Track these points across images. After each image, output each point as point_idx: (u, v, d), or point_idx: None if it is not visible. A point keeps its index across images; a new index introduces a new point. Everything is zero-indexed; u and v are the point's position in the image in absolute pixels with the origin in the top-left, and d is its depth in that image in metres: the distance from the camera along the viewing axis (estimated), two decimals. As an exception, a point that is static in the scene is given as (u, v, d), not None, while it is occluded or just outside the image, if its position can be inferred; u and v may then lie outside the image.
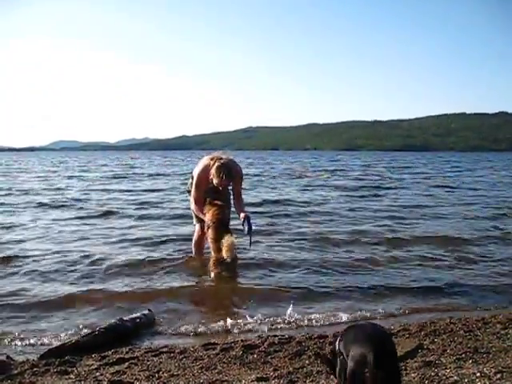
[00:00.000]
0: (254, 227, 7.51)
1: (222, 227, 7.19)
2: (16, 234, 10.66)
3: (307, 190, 22.13)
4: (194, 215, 7.89)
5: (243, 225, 7.30)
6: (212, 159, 7.36)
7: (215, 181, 7.22)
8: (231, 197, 7.71)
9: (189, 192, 7.90)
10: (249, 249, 7.79)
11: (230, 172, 7.24)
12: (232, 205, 7.70)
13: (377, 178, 31.31)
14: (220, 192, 7.47)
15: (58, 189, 22.37)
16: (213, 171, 7.19)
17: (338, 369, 2.77)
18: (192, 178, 7.73)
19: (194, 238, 8.14)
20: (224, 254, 6.89)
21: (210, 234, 7.27)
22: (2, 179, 29.74)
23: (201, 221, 7.69)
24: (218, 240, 7.05)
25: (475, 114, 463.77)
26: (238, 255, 7.36)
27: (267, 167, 48.11)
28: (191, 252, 8.29)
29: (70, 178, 32.01)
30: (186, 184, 8.37)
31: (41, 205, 16.08)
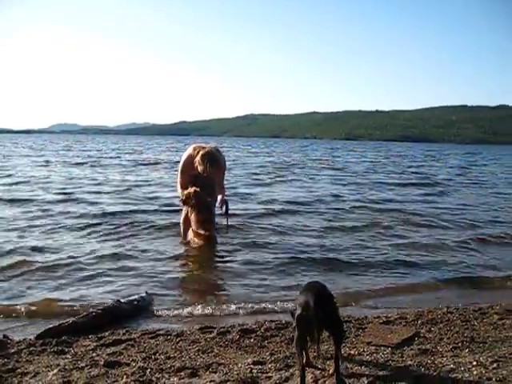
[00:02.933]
0: (229, 211, 8.19)
1: (202, 213, 7.75)
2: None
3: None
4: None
5: (221, 208, 7.91)
6: (195, 148, 7.83)
7: (200, 168, 7.65)
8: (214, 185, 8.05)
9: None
10: (226, 231, 8.26)
11: (214, 160, 7.69)
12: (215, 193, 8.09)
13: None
14: (205, 179, 7.82)
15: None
16: (198, 159, 7.63)
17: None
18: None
19: (182, 216, 8.43)
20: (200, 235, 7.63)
21: (191, 218, 7.85)
22: None
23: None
24: (198, 221, 7.71)
25: (476, 106, 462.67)
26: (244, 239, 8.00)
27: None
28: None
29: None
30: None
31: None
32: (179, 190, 8.03)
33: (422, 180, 22.56)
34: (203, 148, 7.79)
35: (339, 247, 8.31)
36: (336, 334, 3.27)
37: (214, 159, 7.68)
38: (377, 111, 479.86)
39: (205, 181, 7.80)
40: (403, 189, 18.64)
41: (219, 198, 7.87)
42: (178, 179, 8.04)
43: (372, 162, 40.19)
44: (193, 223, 7.82)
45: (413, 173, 27.46)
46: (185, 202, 7.81)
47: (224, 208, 7.84)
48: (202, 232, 7.57)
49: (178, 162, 8.32)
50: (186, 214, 8.14)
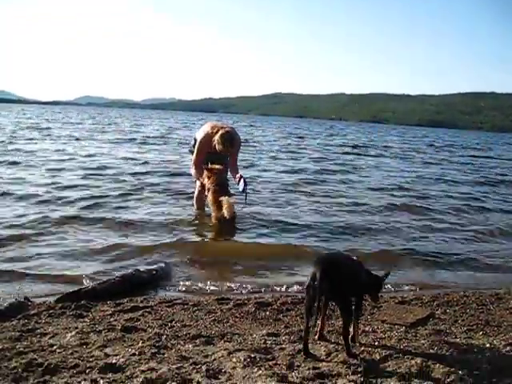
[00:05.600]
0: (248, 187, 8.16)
1: (221, 190, 7.67)
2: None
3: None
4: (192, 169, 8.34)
5: (238, 184, 7.95)
6: (213, 127, 7.93)
7: (219, 147, 7.75)
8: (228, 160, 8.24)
9: (191, 152, 8.54)
10: (245, 205, 8.18)
11: (233, 140, 7.88)
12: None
13: None
14: (219, 157, 7.92)
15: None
16: (217, 138, 7.72)
17: None
18: (195, 141, 8.27)
19: (195, 193, 8.62)
20: (224, 211, 7.36)
21: (209, 197, 7.76)
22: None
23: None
24: (216, 202, 7.56)
25: (505, 93, 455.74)
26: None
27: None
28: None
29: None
30: (189, 144, 8.99)
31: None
32: (192, 170, 8.16)
33: None
34: (221, 127, 7.91)
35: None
36: (340, 308, 3.33)
37: (233, 139, 7.84)
38: (404, 95, 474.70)
39: (217, 158, 7.93)
40: None
41: (237, 175, 7.98)
42: (194, 158, 8.09)
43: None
44: (211, 198, 7.74)
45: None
46: (208, 177, 7.77)
47: (242, 185, 7.83)
48: (226, 215, 7.37)
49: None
50: (200, 191, 8.27)
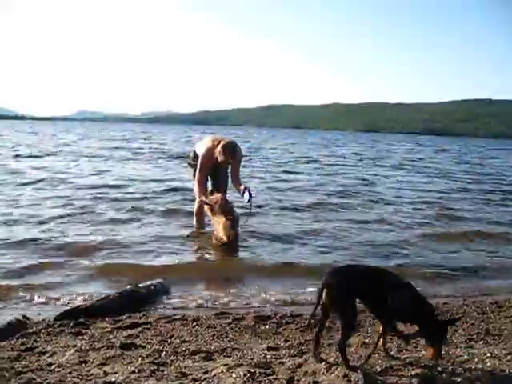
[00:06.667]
0: (253, 195, 8.14)
1: (225, 212, 7.64)
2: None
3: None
4: (193, 181, 8.37)
5: (243, 195, 8.00)
6: (214, 140, 8.04)
7: (221, 158, 7.81)
8: (229, 174, 8.36)
9: (190, 165, 8.63)
10: (250, 214, 8.23)
11: (235, 150, 7.95)
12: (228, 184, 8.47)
13: None
14: (219, 171, 8.21)
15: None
16: (219, 149, 7.80)
17: None
18: (194, 154, 8.34)
19: (195, 210, 8.63)
20: (223, 236, 7.44)
21: (217, 218, 7.73)
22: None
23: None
24: (224, 227, 7.51)
25: (500, 100, 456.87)
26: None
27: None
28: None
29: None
30: (188, 157, 8.94)
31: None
32: (196, 188, 8.08)
33: None
34: (222, 139, 8.02)
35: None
36: (339, 319, 3.28)
37: (234, 150, 7.91)
38: (399, 104, 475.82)
39: (219, 171, 8.16)
40: None
41: (241, 187, 8.04)
42: (198, 174, 8.01)
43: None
44: (217, 227, 7.73)
45: None
46: (211, 208, 7.82)
47: (247, 196, 7.89)
48: (225, 239, 7.43)
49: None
50: (200, 205, 8.27)
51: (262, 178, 17.12)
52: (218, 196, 7.78)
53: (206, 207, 7.99)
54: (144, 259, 6.84)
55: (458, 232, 9.26)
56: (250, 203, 7.98)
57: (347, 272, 3.40)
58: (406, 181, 18.47)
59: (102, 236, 7.88)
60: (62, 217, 9.18)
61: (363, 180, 17.94)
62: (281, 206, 11.40)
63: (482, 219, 10.72)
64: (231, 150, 7.84)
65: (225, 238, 7.40)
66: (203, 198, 7.88)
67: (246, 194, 7.91)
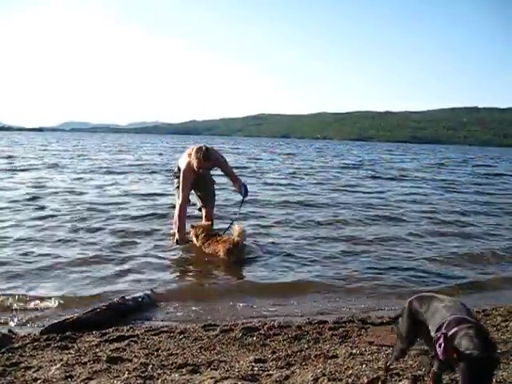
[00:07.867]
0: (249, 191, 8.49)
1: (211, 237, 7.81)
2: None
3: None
4: (176, 193, 8.43)
5: (240, 190, 8.29)
6: (189, 153, 8.05)
7: (197, 164, 7.84)
8: (214, 187, 8.70)
9: (176, 176, 8.53)
10: (238, 212, 8.53)
11: (207, 152, 7.86)
12: (215, 195, 8.80)
13: None
14: (204, 181, 8.35)
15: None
16: (192, 155, 7.85)
17: None
18: (178, 169, 8.39)
19: (176, 213, 8.28)
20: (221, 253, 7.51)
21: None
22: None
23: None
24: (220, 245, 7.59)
25: (487, 108, 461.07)
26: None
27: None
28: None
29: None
30: (173, 170, 8.93)
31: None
32: (177, 211, 8.09)
33: None
34: (193, 148, 8.03)
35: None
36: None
37: (207, 152, 7.85)
38: (387, 112, 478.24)
39: (203, 181, 8.33)
40: None
41: (237, 184, 8.34)
42: (181, 193, 7.99)
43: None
44: (215, 247, 7.70)
45: None
46: (196, 236, 7.92)
47: (243, 190, 8.21)
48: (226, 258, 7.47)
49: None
50: (180, 213, 8.06)
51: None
52: (201, 226, 8.01)
53: (191, 233, 8.02)
54: (130, 274, 6.73)
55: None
56: (243, 198, 8.33)
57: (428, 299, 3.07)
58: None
59: (90, 251, 7.72)
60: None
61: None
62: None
63: None
64: (202, 152, 7.79)
65: (222, 255, 7.48)
66: (179, 225, 8.00)
67: (242, 190, 8.23)
